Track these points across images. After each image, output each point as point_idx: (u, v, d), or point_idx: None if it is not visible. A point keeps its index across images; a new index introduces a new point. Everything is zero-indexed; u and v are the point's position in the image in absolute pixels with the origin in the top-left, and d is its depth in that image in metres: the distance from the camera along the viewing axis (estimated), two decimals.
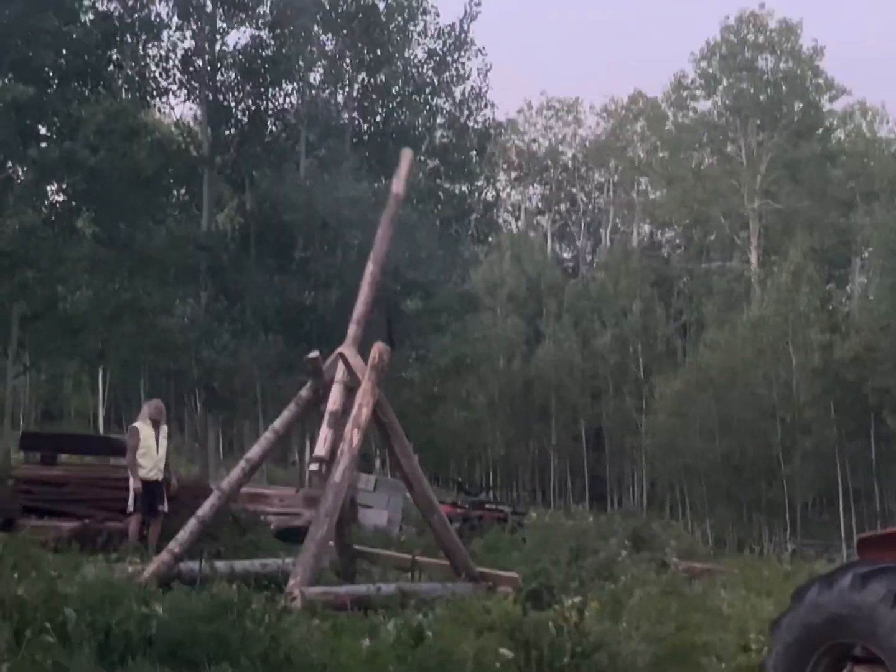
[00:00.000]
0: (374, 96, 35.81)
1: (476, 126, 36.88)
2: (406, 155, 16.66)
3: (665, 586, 15.31)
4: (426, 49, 36.19)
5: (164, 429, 17.25)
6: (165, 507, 16.83)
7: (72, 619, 9.20)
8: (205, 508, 14.47)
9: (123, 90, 31.35)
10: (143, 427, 16.93)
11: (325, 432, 14.56)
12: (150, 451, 16.86)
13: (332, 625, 11.36)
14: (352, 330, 15.37)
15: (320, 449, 14.48)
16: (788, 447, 44.44)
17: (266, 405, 33.39)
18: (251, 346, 31.36)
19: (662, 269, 75.07)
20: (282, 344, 31.45)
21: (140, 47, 32.41)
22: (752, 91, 66.62)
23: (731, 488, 46.98)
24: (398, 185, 16.39)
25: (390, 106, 35.82)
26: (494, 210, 43.97)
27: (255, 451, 15.02)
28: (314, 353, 15.19)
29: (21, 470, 21.80)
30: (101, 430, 51.52)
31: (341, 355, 14.83)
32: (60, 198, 29.20)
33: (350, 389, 14.71)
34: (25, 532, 16.17)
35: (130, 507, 16.61)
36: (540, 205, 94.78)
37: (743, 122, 67.21)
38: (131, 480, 16.66)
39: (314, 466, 14.49)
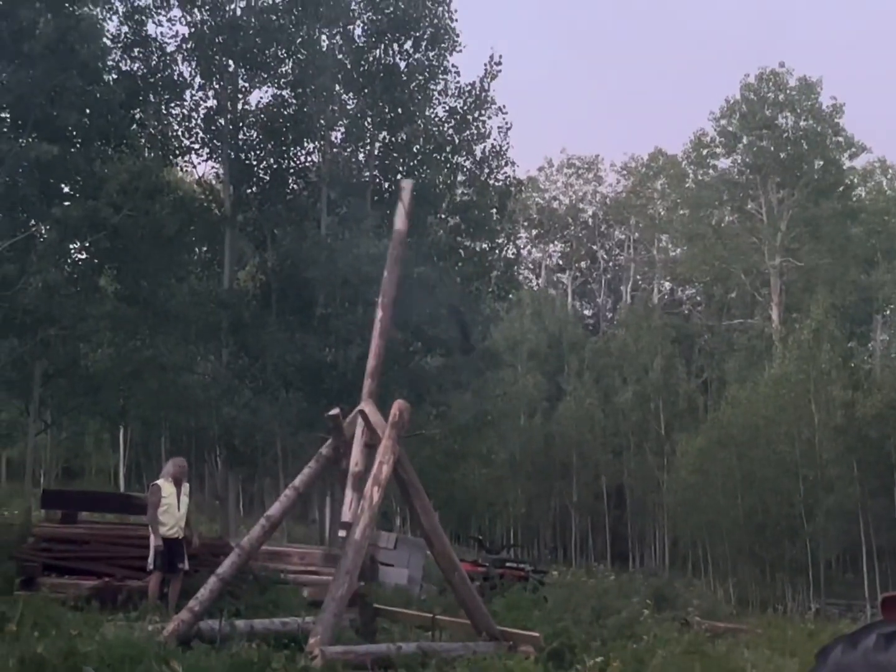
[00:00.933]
0: (395, 154, 35.96)
1: (497, 184, 36.98)
2: (406, 187, 16.09)
3: (688, 646, 15.21)
4: (447, 108, 36.38)
5: (185, 486, 17.27)
6: (186, 565, 16.82)
7: None
8: (225, 566, 14.41)
9: (146, 149, 31.58)
10: (165, 484, 16.94)
11: (349, 495, 14.47)
12: (172, 508, 16.86)
13: None
14: (366, 384, 15.30)
15: (346, 514, 14.37)
16: (811, 505, 44.12)
17: (286, 462, 33.35)
18: (272, 404, 31.36)
19: (683, 327, 75.06)
20: (302, 401, 31.44)
21: (163, 106, 32.69)
22: (772, 149, 66.75)
23: (753, 547, 46.65)
24: (400, 220, 15.77)
25: (411, 164, 35.94)
26: (515, 267, 44.02)
27: (275, 509, 14.96)
28: (335, 411, 15.15)
29: (42, 528, 21.79)
30: (121, 488, 51.60)
31: (361, 412, 14.81)
32: (83, 256, 29.36)
33: (370, 447, 14.67)
34: (46, 590, 16.18)
35: (151, 565, 16.58)
36: (560, 262, 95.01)
37: (763, 179, 67.32)
38: (152, 538, 16.64)
39: (342, 533, 14.36)
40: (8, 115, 25.72)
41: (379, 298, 15.86)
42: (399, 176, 36.07)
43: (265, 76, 34.06)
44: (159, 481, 17.14)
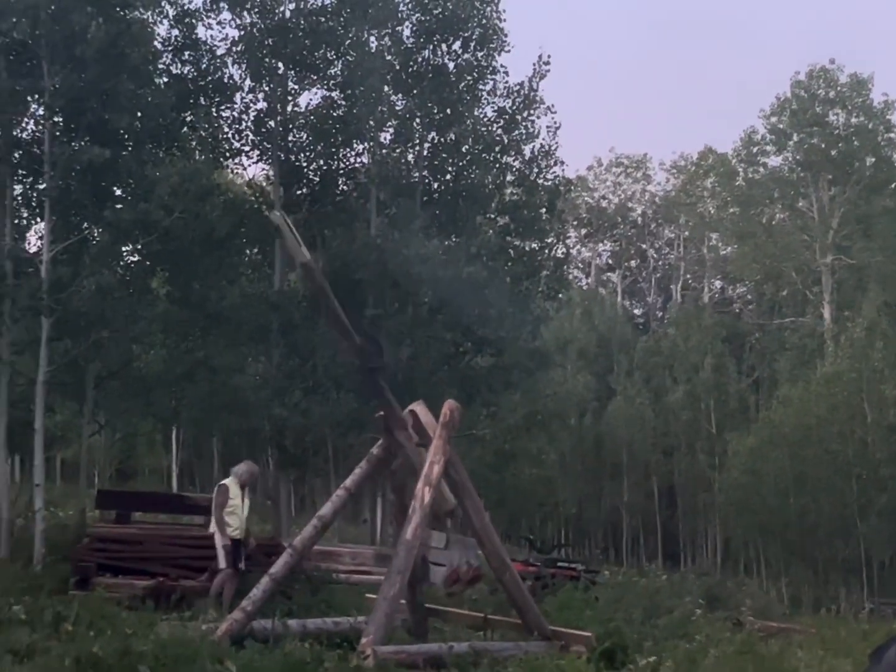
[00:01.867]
0: (444, 155, 35.98)
1: (546, 183, 36.91)
2: (277, 221, 14.34)
3: (740, 646, 15.14)
4: (496, 108, 36.36)
5: (247, 490, 17.44)
6: (244, 566, 16.97)
7: None
8: (277, 566, 14.49)
9: (197, 151, 31.75)
10: (233, 486, 17.08)
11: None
12: (238, 510, 17.08)
13: None
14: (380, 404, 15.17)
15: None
16: (864, 504, 43.77)
17: (337, 463, 33.47)
18: (322, 404, 31.44)
19: (734, 325, 74.67)
20: (353, 402, 31.52)
21: (213, 109, 32.85)
22: (823, 146, 66.24)
23: (806, 546, 46.33)
24: (297, 253, 13.58)
25: (460, 164, 35.97)
26: (565, 267, 43.95)
27: (327, 509, 15.03)
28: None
29: (96, 528, 22.01)
30: (174, 488, 51.92)
31: (412, 412, 14.85)
32: (135, 258, 29.51)
33: (420, 447, 14.71)
34: (100, 590, 16.31)
35: (222, 564, 16.70)
36: (610, 261, 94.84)
37: (814, 177, 66.86)
38: (218, 538, 16.74)
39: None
40: (60, 119, 25.85)
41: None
42: (448, 176, 36.13)
43: (314, 78, 34.14)
44: (227, 482, 17.27)
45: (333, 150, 34.69)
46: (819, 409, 46.86)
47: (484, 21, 34.98)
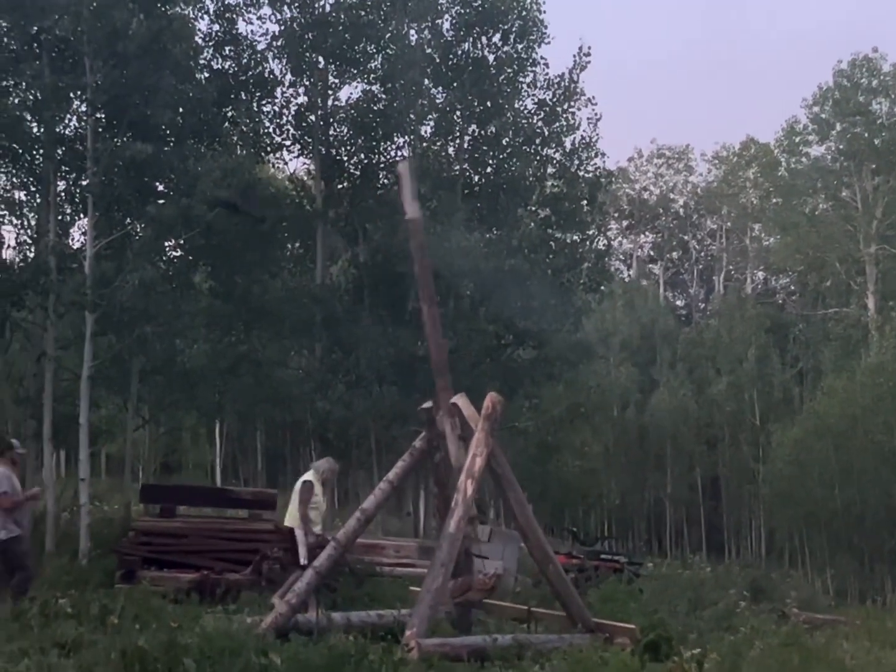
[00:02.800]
0: (484, 147, 35.92)
1: (587, 175, 36.74)
2: (403, 171, 15.52)
3: (786, 638, 15.05)
4: (536, 100, 36.22)
5: (326, 487, 17.51)
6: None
7: (192, 669, 9.33)
8: (321, 559, 14.55)
9: (238, 146, 31.86)
10: (317, 484, 17.06)
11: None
12: (320, 507, 17.10)
13: None
14: (438, 382, 15.19)
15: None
16: None
17: (380, 456, 33.51)
18: (365, 398, 31.53)
19: (777, 316, 74.28)
20: (395, 394, 31.57)
21: (254, 104, 32.96)
22: (866, 135, 65.68)
23: (852, 538, 46.03)
24: (410, 208, 15.25)
25: (501, 157, 35.89)
26: (606, 259, 43.78)
27: (370, 502, 15.07)
28: (428, 404, 15.21)
29: (141, 522, 22.17)
30: (218, 482, 52.14)
31: (454, 405, 14.85)
32: (178, 253, 29.63)
33: (463, 439, 14.72)
34: (146, 583, 16.41)
35: (304, 561, 16.76)
36: (652, 253, 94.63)
37: (857, 166, 66.32)
38: (301, 534, 16.72)
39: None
40: (103, 116, 25.97)
41: (420, 294, 15.43)
42: (488, 169, 36.09)
43: (355, 72, 34.22)
44: (311, 477, 17.18)
45: (374, 143, 34.74)
46: (864, 400, 46.52)
47: (524, 13, 34.84)
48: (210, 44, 31.60)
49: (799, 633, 16.18)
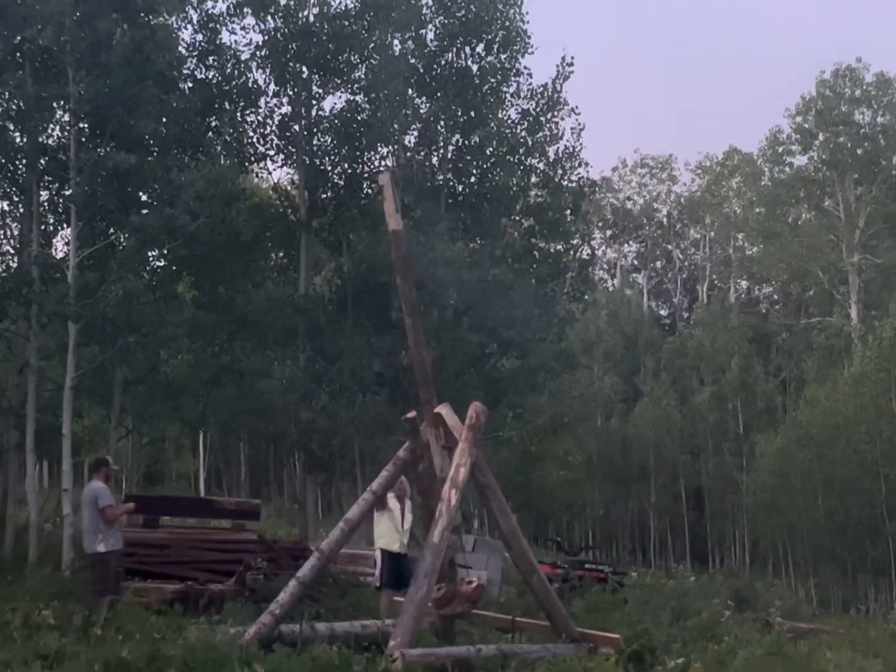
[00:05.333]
0: (468, 157, 35.89)
1: (570, 185, 36.75)
2: (384, 182, 14.75)
3: (769, 647, 15.11)
4: (519, 110, 36.20)
5: (408, 503, 17.33)
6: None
7: None
8: (305, 570, 14.52)
9: (222, 156, 31.80)
10: (392, 500, 17.00)
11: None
12: (396, 523, 17.04)
13: None
14: (422, 394, 15.18)
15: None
16: (893, 504, 43.51)
17: (364, 466, 33.46)
18: (349, 408, 31.52)
19: (761, 326, 74.53)
20: (379, 405, 31.57)
21: (238, 114, 32.91)
22: (849, 145, 66.00)
23: (835, 547, 46.12)
24: (392, 220, 14.51)
25: (484, 167, 35.86)
26: (590, 268, 43.89)
27: (353, 512, 15.06)
28: (412, 414, 15.22)
29: (124, 533, 22.05)
30: (201, 493, 52.08)
31: (438, 415, 14.86)
32: (161, 263, 29.58)
33: (447, 449, 14.72)
34: (129, 594, 16.35)
35: (377, 582, 16.78)
36: (636, 262, 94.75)
37: (840, 176, 66.59)
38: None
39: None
40: (86, 125, 25.99)
41: (403, 307, 15.40)
42: (472, 179, 36.09)
43: (338, 82, 34.21)
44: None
45: (358, 153, 34.71)
46: (847, 410, 46.65)
47: (507, 23, 34.89)
48: (193, 54, 31.57)
49: (783, 643, 16.23)
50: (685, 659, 12.40)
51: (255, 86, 33.19)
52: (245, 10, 32.98)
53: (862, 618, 32.96)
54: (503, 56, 35.17)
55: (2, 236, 28.85)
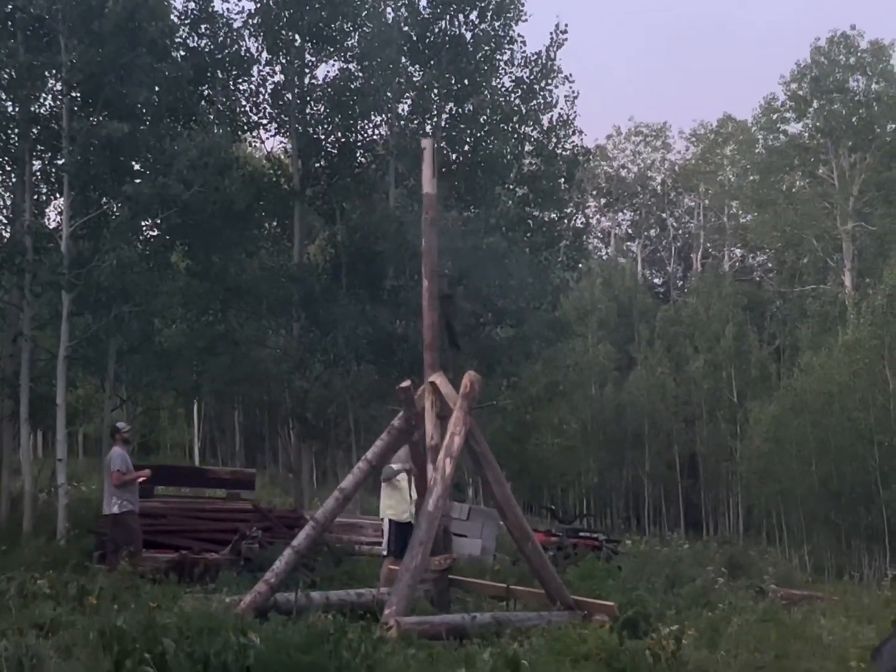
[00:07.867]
0: (462, 125, 35.81)
1: (564, 153, 36.70)
2: (427, 146, 15.51)
3: (763, 614, 15.16)
4: (513, 78, 36.11)
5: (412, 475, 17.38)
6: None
7: (170, 649, 9.28)
8: (300, 539, 14.56)
9: (215, 125, 31.63)
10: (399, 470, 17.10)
11: (430, 471, 14.51)
12: (405, 493, 17.08)
13: (428, 654, 11.37)
14: (427, 357, 15.23)
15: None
16: (887, 471, 43.61)
17: (359, 435, 33.49)
18: (343, 377, 31.50)
19: (755, 293, 74.64)
20: (374, 373, 31.58)
21: (231, 82, 32.74)
22: (843, 112, 65.91)
23: (828, 514, 46.25)
24: (427, 183, 15.22)
25: (478, 135, 35.77)
26: (584, 236, 43.80)
27: (348, 482, 15.08)
28: (406, 383, 15.21)
29: None
30: (196, 462, 52.09)
31: (432, 384, 14.86)
32: (154, 233, 29.48)
33: (442, 418, 14.73)
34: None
35: (385, 551, 16.87)
36: (630, 230, 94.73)
37: (834, 143, 66.52)
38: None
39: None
40: (78, 95, 25.84)
41: (422, 268, 15.52)
42: (466, 147, 35.99)
43: (331, 50, 34.04)
44: (396, 467, 17.14)
45: (351, 122, 34.63)
46: (840, 377, 46.73)
47: None
48: (186, 22, 31.29)
49: (776, 610, 16.30)
50: (679, 626, 12.42)
51: (247, 54, 33.00)
52: None
53: (856, 584, 33.05)
54: (497, 23, 35.01)
55: None
